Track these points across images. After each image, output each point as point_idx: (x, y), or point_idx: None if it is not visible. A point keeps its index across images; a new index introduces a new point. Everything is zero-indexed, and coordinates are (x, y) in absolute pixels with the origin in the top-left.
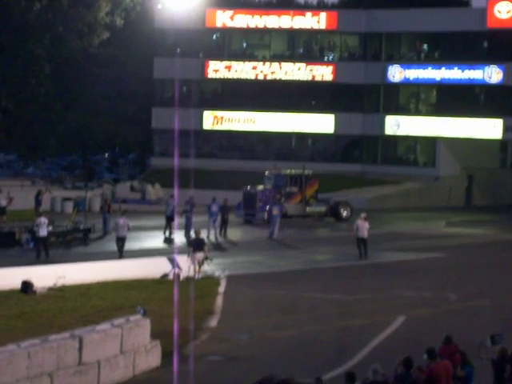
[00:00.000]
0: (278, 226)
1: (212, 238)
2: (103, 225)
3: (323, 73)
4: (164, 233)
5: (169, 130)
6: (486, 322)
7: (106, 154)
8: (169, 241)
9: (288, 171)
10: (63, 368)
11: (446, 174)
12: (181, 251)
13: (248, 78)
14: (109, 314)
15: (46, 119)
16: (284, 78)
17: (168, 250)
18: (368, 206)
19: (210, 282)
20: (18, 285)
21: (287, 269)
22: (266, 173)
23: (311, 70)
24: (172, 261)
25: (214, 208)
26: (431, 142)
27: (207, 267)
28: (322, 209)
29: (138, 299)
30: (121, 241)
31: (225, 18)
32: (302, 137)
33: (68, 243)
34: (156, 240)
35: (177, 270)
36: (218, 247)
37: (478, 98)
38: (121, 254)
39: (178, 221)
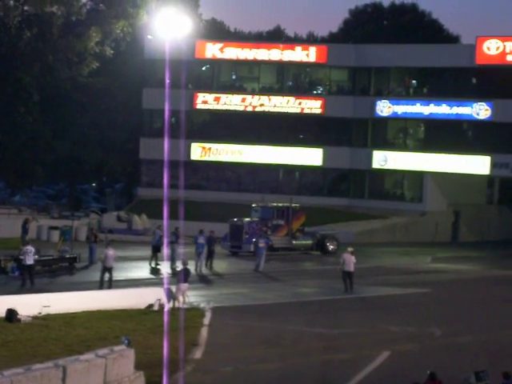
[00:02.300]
0: (264, 259)
1: (199, 270)
2: (89, 254)
3: (312, 106)
4: (150, 263)
5: (156, 161)
6: (470, 358)
7: (94, 184)
8: (155, 271)
9: (275, 204)
10: None
11: (432, 209)
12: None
13: (237, 110)
14: (93, 344)
15: (34, 148)
16: (273, 110)
17: (154, 281)
18: (355, 240)
19: (195, 313)
20: (2, 313)
21: (272, 301)
22: (253, 205)
23: (300, 103)
24: (167, 291)
25: (201, 240)
26: (418, 177)
27: (191, 299)
28: (309, 242)
29: (123, 329)
30: (108, 271)
31: (214, 50)
32: (289, 170)
33: (53, 272)
34: (142, 270)
35: (167, 301)
36: (203, 279)
37: (465, 134)
38: (102, 284)
39: (167, 251)
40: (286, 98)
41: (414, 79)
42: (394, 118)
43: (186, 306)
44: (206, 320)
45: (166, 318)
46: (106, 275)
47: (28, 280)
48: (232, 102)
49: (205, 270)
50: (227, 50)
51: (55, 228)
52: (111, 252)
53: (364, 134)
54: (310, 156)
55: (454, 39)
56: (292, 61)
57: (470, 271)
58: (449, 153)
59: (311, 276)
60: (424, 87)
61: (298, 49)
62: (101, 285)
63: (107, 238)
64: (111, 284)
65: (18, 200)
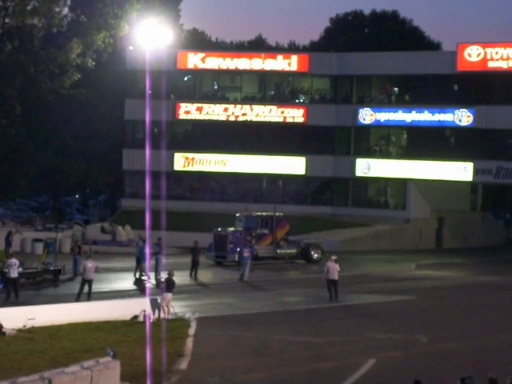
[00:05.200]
0: (249, 268)
1: (153, 280)
2: (73, 266)
3: (294, 115)
4: (134, 274)
5: (139, 172)
6: (456, 364)
7: (77, 195)
8: (139, 282)
9: (259, 213)
10: None
11: (416, 216)
12: (152, 293)
13: (219, 119)
14: (78, 356)
15: (16, 160)
16: (255, 119)
17: (139, 292)
18: (339, 248)
19: (180, 323)
20: None
21: (258, 311)
22: (237, 215)
23: (282, 112)
24: (153, 302)
25: (147, 249)
26: (402, 185)
27: (176, 309)
28: (293, 251)
29: (108, 341)
30: (88, 283)
31: (196, 60)
32: (272, 179)
33: (38, 284)
34: (126, 281)
35: (152, 312)
36: (189, 289)
37: (448, 141)
38: (79, 297)
39: (149, 262)
40: (269, 107)
41: (395, 87)
42: (377, 126)
43: (170, 317)
44: (192, 330)
45: (148, 328)
46: (86, 288)
47: (12, 293)
48: (214, 111)
49: (189, 281)
50: (209, 59)
51: (39, 240)
52: (90, 264)
53: (347, 142)
54: (293, 165)
55: (435, 46)
56: (274, 70)
57: (455, 277)
58: (431, 159)
59: (296, 285)
60: (406, 94)
61: (280, 58)
62: (78, 297)
63: (91, 249)
64: (90, 297)
65: (1, 213)
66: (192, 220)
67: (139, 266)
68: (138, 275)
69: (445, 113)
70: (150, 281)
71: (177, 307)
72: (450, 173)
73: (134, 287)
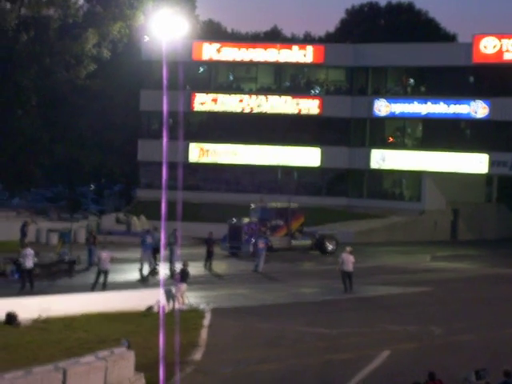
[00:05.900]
0: (264, 259)
1: (145, 272)
2: (88, 256)
3: (309, 106)
4: (149, 266)
5: (154, 162)
6: (470, 356)
7: (92, 186)
8: (154, 273)
9: (274, 204)
10: None
11: (431, 208)
12: (166, 283)
13: (234, 110)
14: (93, 347)
15: (32, 150)
16: (270, 111)
17: (153, 282)
18: (354, 239)
19: (195, 314)
20: (2, 316)
21: (272, 302)
22: (252, 206)
23: (297, 104)
24: (168, 293)
25: (149, 240)
26: (417, 176)
27: (190, 300)
28: (308, 242)
29: (123, 331)
30: (104, 274)
31: (212, 51)
32: (287, 170)
33: (53, 275)
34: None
35: (167, 303)
36: (201, 280)
37: (463, 133)
38: (94, 287)
39: (163, 253)
40: (284, 99)
41: (411, 78)
42: (392, 117)
43: (185, 307)
44: (206, 321)
45: (161, 317)
46: (102, 278)
47: (27, 283)
48: (229, 102)
49: (203, 271)
50: (224, 50)
51: (54, 231)
52: (105, 254)
53: (362, 133)
54: (309, 156)
55: (450, 38)
56: (289, 61)
57: (469, 269)
58: (447, 151)
59: (311, 276)
60: (421, 86)
61: (296, 49)
62: (93, 287)
63: (106, 239)
64: (105, 287)
65: (17, 203)
66: (207, 211)
67: (154, 257)
68: (152, 266)
69: (460, 104)
70: (144, 271)
71: (191, 298)
72: (466, 165)
73: (148, 278)
